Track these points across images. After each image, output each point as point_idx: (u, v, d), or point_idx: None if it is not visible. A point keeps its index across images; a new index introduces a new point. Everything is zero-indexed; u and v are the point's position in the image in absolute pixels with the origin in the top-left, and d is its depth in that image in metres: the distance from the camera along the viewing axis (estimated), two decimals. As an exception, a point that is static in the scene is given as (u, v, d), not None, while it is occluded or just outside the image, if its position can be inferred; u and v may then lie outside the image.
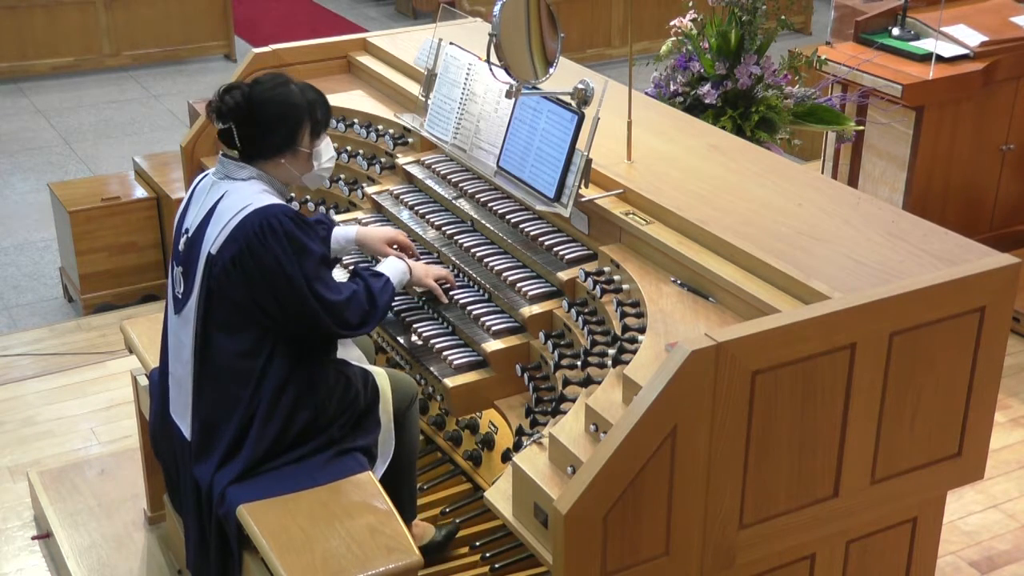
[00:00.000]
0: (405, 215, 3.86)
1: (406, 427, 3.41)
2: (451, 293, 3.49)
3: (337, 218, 4.00)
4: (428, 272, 3.49)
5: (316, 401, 3.16)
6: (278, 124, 3.15)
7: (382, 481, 3.22)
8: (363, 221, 3.93)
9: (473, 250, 3.56)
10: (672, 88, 4.78)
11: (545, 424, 2.94)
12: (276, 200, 3.12)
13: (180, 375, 3.24)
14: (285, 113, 3.15)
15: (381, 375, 3.35)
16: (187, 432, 3.23)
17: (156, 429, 3.42)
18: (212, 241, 3.08)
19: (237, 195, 3.11)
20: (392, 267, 3.40)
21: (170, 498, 3.58)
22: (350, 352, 3.38)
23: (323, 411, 3.18)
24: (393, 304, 3.55)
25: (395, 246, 3.56)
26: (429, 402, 3.96)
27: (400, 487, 3.39)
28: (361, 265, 3.60)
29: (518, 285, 3.35)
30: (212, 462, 3.14)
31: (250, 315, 3.10)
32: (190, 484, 3.23)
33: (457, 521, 3.71)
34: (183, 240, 3.19)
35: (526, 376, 3.20)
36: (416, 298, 3.58)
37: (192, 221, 3.18)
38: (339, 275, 3.44)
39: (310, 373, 3.16)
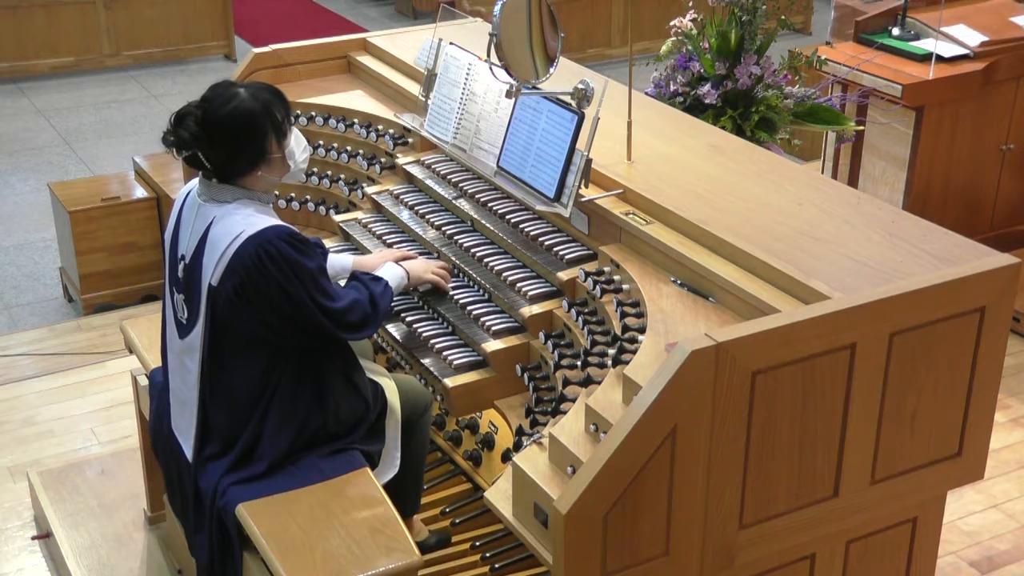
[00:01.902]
0: (405, 215, 3.86)
1: (417, 432, 3.42)
2: (451, 293, 3.49)
3: (337, 218, 4.01)
4: (427, 268, 3.48)
5: (325, 411, 3.17)
6: (243, 143, 3.06)
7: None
8: (363, 221, 3.93)
9: (473, 250, 3.56)
10: (672, 88, 4.78)
11: (545, 424, 2.94)
12: (268, 220, 3.07)
13: (185, 397, 3.23)
14: (246, 129, 3.05)
15: (391, 388, 3.35)
16: (189, 452, 3.22)
17: (157, 428, 3.42)
18: (211, 272, 3.05)
19: (227, 221, 3.06)
20: (390, 272, 3.39)
21: (169, 500, 3.57)
22: (369, 365, 3.38)
23: (332, 422, 3.18)
24: (393, 304, 3.55)
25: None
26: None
27: (406, 483, 3.40)
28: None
29: (518, 285, 3.35)
30: (219, 468, 3.14)
31: (258, 339, 3.09)
32: (192, 499, 3.23)
33: (456, 521, 3.71)
34: (181, 267, 3.16)
35: (526, 376, 3.20)
36: (416, 298, 3.58)
37: (187, 248, 3.14)
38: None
39: (319, 386, 3.16)
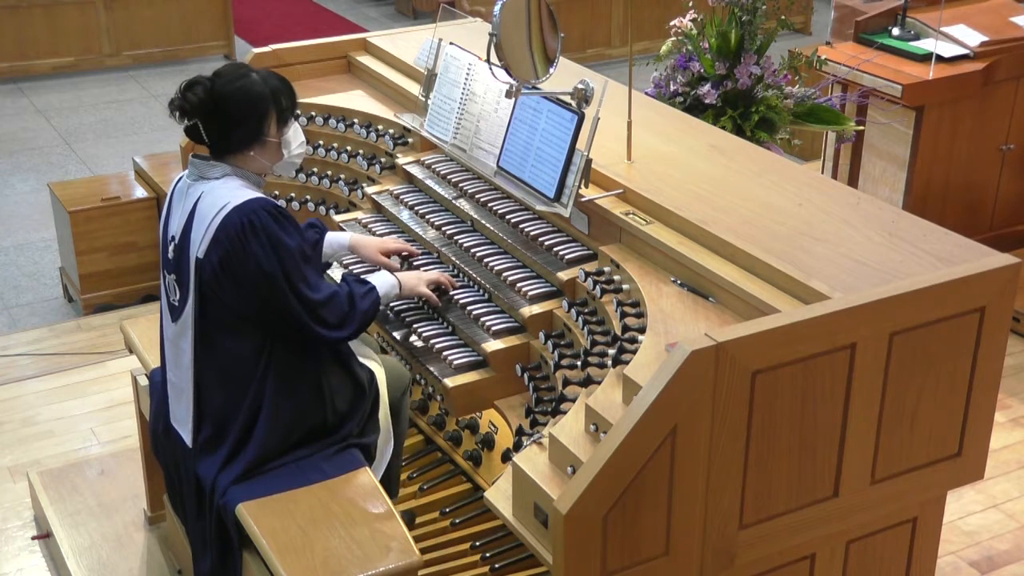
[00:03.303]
0: (405, 215, 3.86)
1: (399, 413, 3.43)
2: (451, 293, 3.49)
3: (337, 218, 4.01)
4: (421, 280, 3.44)
5: (322, 401, 3.16)
6: (243, 117, 3.13)
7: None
8: (363, 221, 3.93)
9: (473, 250, 3.56)
10: (672, 88, 4.78)
11: (545, 424, 2.94)
12: (254, 193, 3.11)
13: (180, 383, 3.23)
14: (249, 105, 3.12)
15: (380, 374, 3.35)
16: (188, 439, 3.22)
17: (156, 430, 3.42)
18: (198, 245, 3.07)
19: (214, 195, 3.10)
20: (380, 279, 3.37)
21: (170, 500, 3.58)
22: (362, 349, 3.38)
23: (331, 411, 3.18)
24: (393, 304, 3.55)
25: (391, 256, 3.56)
26: (429, 402, 3.96)
27: (391, 469, 3.40)
28: (354, 269, 3.60)
29: (518, 285, 3.35)
30: (216, 461, 3.14)
31: (246, 316, 3.10)
32: (193, 489, 3.23)
33: (456, 521, 3.71)
34: (171, 248, 3.18)
35: (526, 376, 3.20)
36: (416, 299, 3.58)
37: (176, 227, 3.17)
38: (335, 275, 3.45)
39: (316, 373, 3.16)
